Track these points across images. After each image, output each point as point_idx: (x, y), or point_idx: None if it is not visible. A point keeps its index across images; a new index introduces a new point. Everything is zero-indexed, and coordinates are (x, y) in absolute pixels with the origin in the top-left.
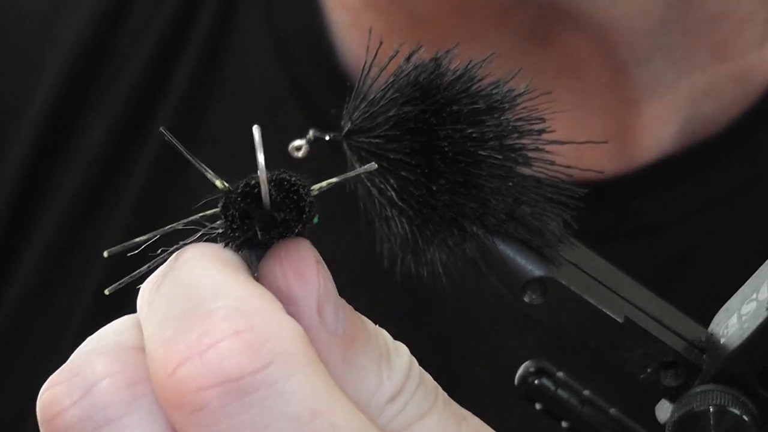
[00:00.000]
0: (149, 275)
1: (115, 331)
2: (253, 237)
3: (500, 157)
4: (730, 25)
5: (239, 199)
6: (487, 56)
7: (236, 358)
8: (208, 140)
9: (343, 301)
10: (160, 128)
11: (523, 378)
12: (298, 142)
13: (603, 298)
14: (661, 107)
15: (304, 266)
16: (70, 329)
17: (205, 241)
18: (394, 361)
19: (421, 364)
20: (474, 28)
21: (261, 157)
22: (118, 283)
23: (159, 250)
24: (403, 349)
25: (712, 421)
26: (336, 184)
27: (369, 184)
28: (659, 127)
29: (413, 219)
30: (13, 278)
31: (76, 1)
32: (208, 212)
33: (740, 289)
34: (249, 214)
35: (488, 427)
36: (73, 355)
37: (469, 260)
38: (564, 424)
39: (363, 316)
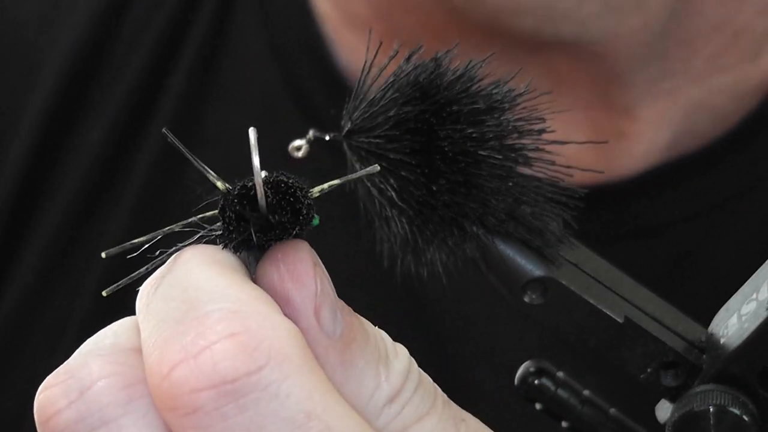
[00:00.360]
0: (148, 276)
1: (113, 333)
2: (250, 239)
3: (500, 157)
4: (727, 36)
5: (235, 201)
6: (487, 56)
7: (231, 360)
8: (206, 141)
9: (341, 302)
10: (163, 129)
11: (523, 378)
12: (298, 142)
13: (603, 298)
14: (654, 114)
15: (301, 268)
16: (69, 329)
17: (204, 242)
18: (393, 363)
19: (420, 364)
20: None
21: (256, 160)
22: (117, 284)
23: (158, 252)
24: (402, 350)
25: (712, 421)
26: (337, 185)
27: (369, 184)
28: (654, 133)
29: (413, 219)
30: (12, 278)
31: (75, 3)
32: (208, 214)
33: (740, 289)
34: (245, 216)
35: (487, 428)
36: (71, 357)
37: (469, 260)
38: (564, 424)
39: (362, 318)
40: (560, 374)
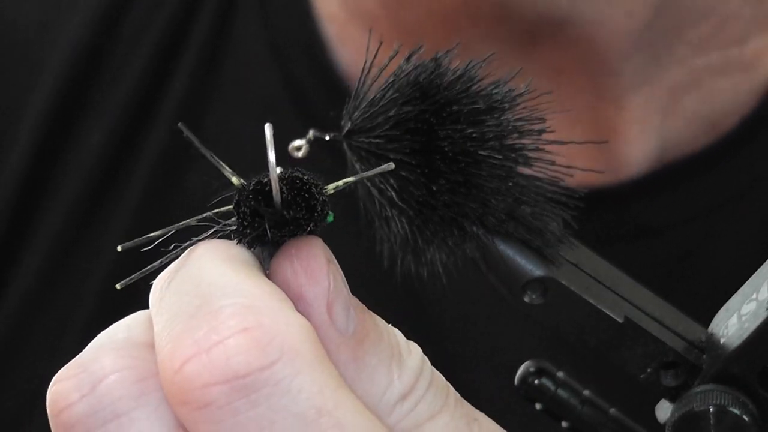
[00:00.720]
0: (162, 271)
1: (125, 327)
2: (264, 235)
3: (500, 157)
4: (715, 21)
5: (251, 196)
6: (487, 56)
7: (243, 355)
8: (207, 142)
9: (355, 299)
10: (179, 124)
11: (523, 378)
12: (298, 142)
13: (603, 298)
14: (642, 101)
15: (314, 264)
16: (70, 331)
17: (218, 237)
18: (406, 361)
19: None
20: (454, 40)
21: (272, 155)
22: (131, 277)
23: (172, 246)
24: (415, 348)
25: (712, 421)
26: (352, 183)
27: (369, 184)
28: (643, 122)
29: (413, 219)
30: (14, 280)
31: (73, 6)
32: (223, 209)
33: (740, 289)
34: (259, 211)
35: (500, 428)
36: (83, 350)
37: (469, 260)
38: (564, 424)
39: (375, 315)
40: (560, 374)
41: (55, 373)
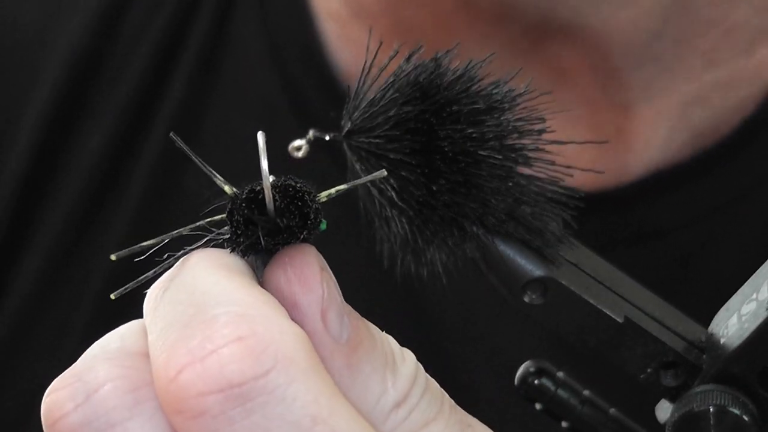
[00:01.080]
0: (155, 280)
1: (119, 337)
2: (258, 243)
3: (500, 157)
4: (721, 32)
5: (243, 204)
6: (487, 56)
7: (237, 363)
8: (206, 145)
9: (348, 307)
10: (170, 134)
11: (523, 378)
12: (298, 142)
13: (603, 298)
14: (651, 112)
15: (308, 272)
16: (70, 335)
17: (212, 246)
18: (400, 368)
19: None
20: (459, 40)
21: (264, 163)
22: (125, 287)
23: (165, 255)
24: (409, 355)
25: (712, 421)
26: (344, 191)
27: (369, 185)
28: (650, 132)
29: (413, 219)
30: (13, 284)
31: (72, 8)
32: (216, 218)
33: (740, 289)
34: (253, 220)
35: None
36: (78, 360)
37: (469, 260)
38: (564, 424)
39: (369, 322)
40: (560, 374)
41: (55, 375)
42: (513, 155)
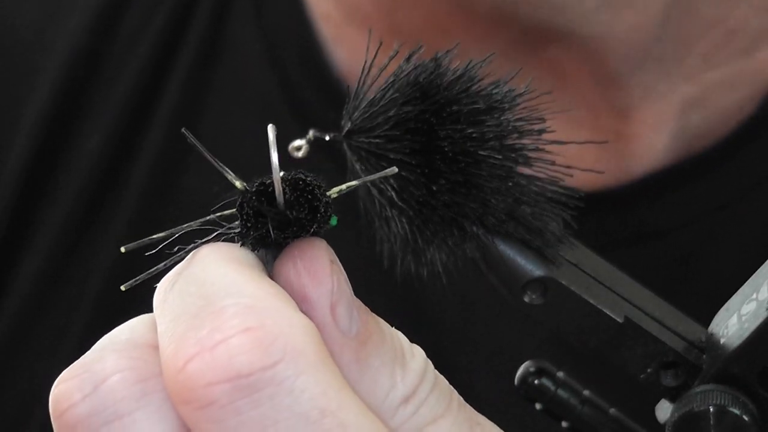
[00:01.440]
0: (164, 274)
1: (129, 329)
2: (267, 235)
3: (500, 157)
4: (721, 33)
5: (254, 197)
6: (487, 56)
7: (246, 354)
8: (203, 144)
9: (358, 301)
10: (182, 129)
11: (523, 378)
12: (298, 142)
13: (603, 298)
14: (652, 115)
15: (317, 265)
16: (69, 335)
17: (222, 241)
18: (409, 363)
19: None
20: (453, 43)
21: (275, 156)
22: (135, 279)
23: (176, 249)
24: (418, 351)
25: (712, 421)
26: (355, 186)
27: (369, 185)
28: (651, 136)
29: (413, 219)
30: (12, 285)
31: (70, 9)
32: (226, 212)
33: (740, 289)
34: (263, 212)
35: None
36: (87, 352)
37: (469, 260)
38: (564, 424)
39: (378, 317)
40: (560, 374)
41: (55, 374)
42: (513, 155)
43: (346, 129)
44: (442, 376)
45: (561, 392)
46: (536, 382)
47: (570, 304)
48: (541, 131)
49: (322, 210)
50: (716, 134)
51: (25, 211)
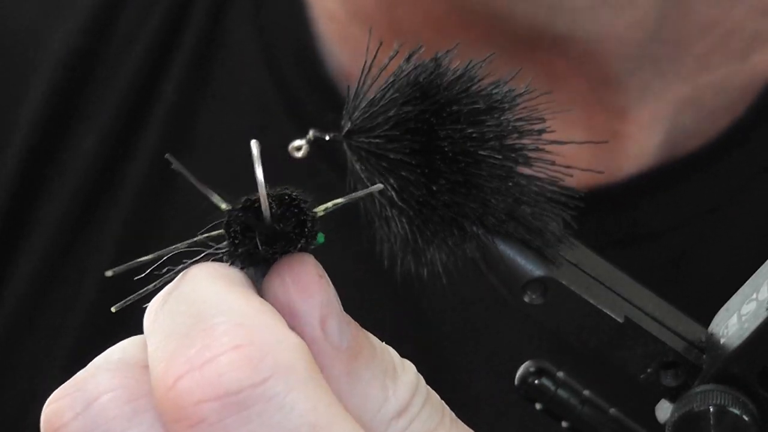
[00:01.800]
0: (155, 293)
1: (121, 349)
2: (256, 251)
3: (500, 157)
4: (717, 36)
5: (240, 213)
6: (487, 56)
7: (235, 372)
8: (199, 147)
9: (348, 316)
10: (166, 155)
11: (523, 378)
12: (298, 142)
13: (603, 298)
14: (646, 116)
15: (306, 280)
16: (65, 338)
17: (211, 261)
18: (400, 377)
19: (419, 364)
20: (450, 45)
21: (259, 171)
22: (125, 300)
23: (165, 269)
24: (409, 365)
25: (712, 421)
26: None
27: (369, 185)
28: (645, 135)
29: (413, 219)
30: (8, 287)
31: (68, 8)
32: (213, 233)
33: (740, 289)
34: (250, 227)
35: None
36: (80, 371)
37: (469, 260)
38: (564, 424)
39: (368, 332)
40: (560, 374)
41: (50, 376)
42: (513, 155)
43: (346, 129)
44: (433, 391)
45: (561, 392)
46: (536, 382)
47: (570, 304)
48: (541, 131)
49: (309, 224)
50: (706, 135)
51: (20, 211)
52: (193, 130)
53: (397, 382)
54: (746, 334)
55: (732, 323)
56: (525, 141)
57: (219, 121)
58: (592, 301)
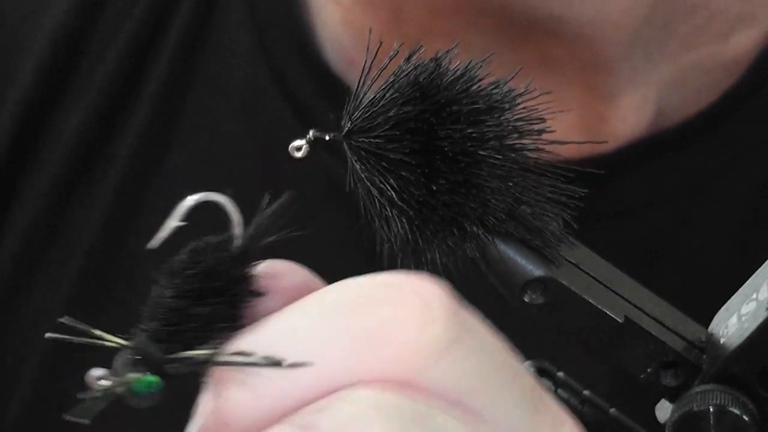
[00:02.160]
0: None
1: None
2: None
3: (500, 157)
4: (703, 17)
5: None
6: (488, 56)
7: None
8: (188, 129)
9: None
10: (59, 320)
11: None
12: (298, 142)
13: (603, 298)
14: (634, 99)
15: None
16: (49, 318)
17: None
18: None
19: None
20: (448, 28)
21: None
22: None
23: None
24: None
25: (712, 421)
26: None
27: (369, 184)
28: (634, 118)
29: (413, 219)
30: None
31: None
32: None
33: (740, 289)
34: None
35: None
36: None
37: (469, 260)
38: None
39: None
40: (560, 374)
41: (36, 356)
42: (513, 155)
43: (346, 129)
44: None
45: (561, 392)
46: None
47: (570, 304)
48: (541, 131)
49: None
50: (691, 110)
51: (6, 188)
52: (184, 110)
53: None
54: (746, 334)
55: (732, 323)
56: (525, 141)
57: (210, 102)
58: (592, 301)
